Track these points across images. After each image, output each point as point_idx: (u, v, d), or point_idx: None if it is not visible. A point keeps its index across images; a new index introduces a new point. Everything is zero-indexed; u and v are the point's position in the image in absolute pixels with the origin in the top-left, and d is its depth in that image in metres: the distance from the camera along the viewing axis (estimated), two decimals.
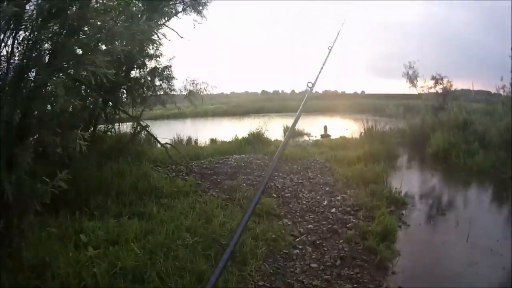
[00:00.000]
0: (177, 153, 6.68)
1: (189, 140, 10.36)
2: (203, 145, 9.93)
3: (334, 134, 12.13)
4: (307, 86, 1.75)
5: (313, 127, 13.39)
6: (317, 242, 3.69)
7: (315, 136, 12.23)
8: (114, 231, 3.25)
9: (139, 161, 5.61)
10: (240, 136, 9.63)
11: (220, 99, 28.05)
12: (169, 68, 6.03)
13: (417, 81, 11.47)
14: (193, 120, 20.10)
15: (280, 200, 4.83)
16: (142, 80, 5.72)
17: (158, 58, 5.89)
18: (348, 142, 9.58)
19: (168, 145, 6.63)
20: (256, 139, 8.90)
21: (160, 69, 5.94)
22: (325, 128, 12.77)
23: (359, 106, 20.71)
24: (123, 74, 5.40)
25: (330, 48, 2.15)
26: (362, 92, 30.32)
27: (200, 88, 6.99)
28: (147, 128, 6.06)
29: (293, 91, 28.95)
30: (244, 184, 5.18)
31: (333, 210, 4.59)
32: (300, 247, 3.56)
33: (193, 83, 6.79)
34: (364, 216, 4.42)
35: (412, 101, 13.04)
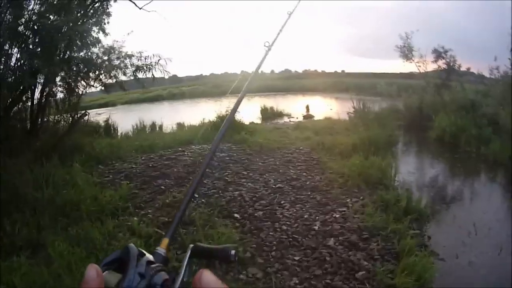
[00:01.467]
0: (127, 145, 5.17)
1: (153, 126, 8.78)
2: (168, 130, 8.46)
3: (318, 114, 10.79)
4: (265, 45, 1.11)
5: (293, 107, 12.11)
6: None
7: (297, 118, 10.81)
8: None
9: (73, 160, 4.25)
10: (208, 120, 8.07)
11: (199, 81, 26.53)
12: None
13: (412, 55, 9.86)
14: (170, 102, 18.60)
15: (246, 225, 3.10)
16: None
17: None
18: (335, 125, 8.18)
19: None
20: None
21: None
22: (307, 108, 11.51)
23: (341, 85, 18.76)
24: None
25: (289, 13, 1.42)
26: (343, 71, 28.78)
27: (151, 63, 5.58)
28: (85, 117, 4.53)
29: (272, 71, 27.40)
30: (196, 195, 3.45)
31: (331, 241, 2.83)
32: None
33: (140, 57, 5.32)
34: (379, 250, 2.69)
35: (404, 80, 11.50)
